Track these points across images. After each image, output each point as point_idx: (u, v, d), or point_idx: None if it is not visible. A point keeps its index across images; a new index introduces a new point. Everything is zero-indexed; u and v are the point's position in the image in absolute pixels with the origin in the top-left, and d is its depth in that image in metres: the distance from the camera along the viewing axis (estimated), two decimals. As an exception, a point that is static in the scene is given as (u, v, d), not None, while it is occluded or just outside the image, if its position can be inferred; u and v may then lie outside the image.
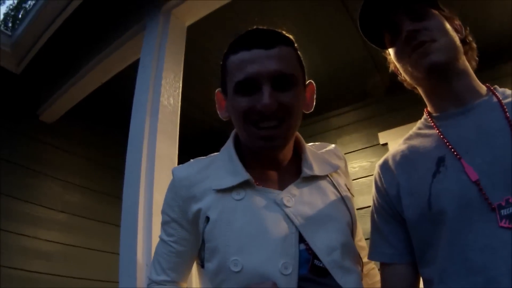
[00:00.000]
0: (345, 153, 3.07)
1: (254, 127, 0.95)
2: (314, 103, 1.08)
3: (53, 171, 2.79)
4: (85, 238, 2.82)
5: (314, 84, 1.08)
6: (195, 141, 3.29)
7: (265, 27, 1.00)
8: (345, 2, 2.29)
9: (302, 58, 1.04)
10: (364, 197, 2.90)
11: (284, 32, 1.00)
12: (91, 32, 2.35)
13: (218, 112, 1.09)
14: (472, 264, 0.80)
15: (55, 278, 2.54)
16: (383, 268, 1.05)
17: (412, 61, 0.97)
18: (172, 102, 1.86)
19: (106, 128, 3.27)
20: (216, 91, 1.09)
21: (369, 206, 2.71)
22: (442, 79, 0.96)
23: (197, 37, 2.23)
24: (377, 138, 3.08)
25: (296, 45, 1.03)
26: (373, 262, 1.15)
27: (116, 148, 3.16)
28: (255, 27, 1.00)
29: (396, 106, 3.04)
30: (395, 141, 2.96)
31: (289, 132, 0.98)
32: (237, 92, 0.96)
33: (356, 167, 3.05)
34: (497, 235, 0.78)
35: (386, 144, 3.02)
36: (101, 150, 3.19)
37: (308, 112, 1.06)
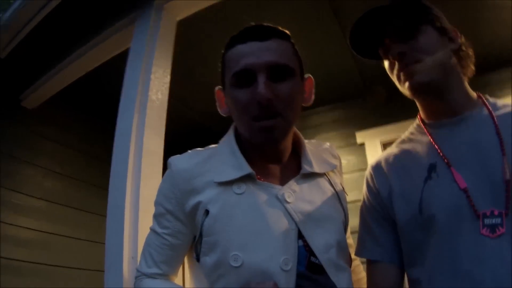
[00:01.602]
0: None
1: (253, 120, 0.95)
2: (313, 97, 1.10)
3: (34, 157, 2.75)
4: (66, 227, 2.80)
5: (313, 78, 1.10)
6: (180, 136, 3.30)
7: (262, 23, 1.01)
8: (334, 7, 2.34)
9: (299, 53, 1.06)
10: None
11: (279, 27, 1.03)
12: (81, 19, 2.31)
13: (218, 110, 1.10)
14: (460, 270, 0.84)
15: (35, 266, 2.53)
16: (370, 265, 1.09)
17: (399, 81, 1.02)
18: (160, 97, 1.86)
19: (90, 116, 3.23)
20: (216, 89, 1.10)
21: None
22: (430, 96, 1.01)
23: (186, 31, 2.23)
24: (354, 138, 3.16)
25: (292, 40, 1.04)
26: (358, 259, 1.19)
27: (100, 137, 3.16)
28: (252, 23, 1.01)
29: (374, 107, 3.13)
30: (372, 141, 3.06)
31: (288, 124, 0.98)
32: (234, 85, 0.97)
33: (332, 165, 3.12)
34: (484, 244, 0.83)
35: (363, 144, 3.11)
36: (84, 138, 3.15)
37: (307, 106, 1.08)
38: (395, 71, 1.03)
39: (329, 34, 2.53)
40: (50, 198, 2.77)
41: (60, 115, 3.03)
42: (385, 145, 3.06)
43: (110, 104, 2.13)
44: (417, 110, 1.11)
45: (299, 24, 2.43)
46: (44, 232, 2.66)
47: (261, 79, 0.93)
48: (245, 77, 0.95)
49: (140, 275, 1.07)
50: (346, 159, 3.13)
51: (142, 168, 1.65)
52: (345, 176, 2.98)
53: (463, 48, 1.04)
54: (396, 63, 1.01)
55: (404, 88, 1.02)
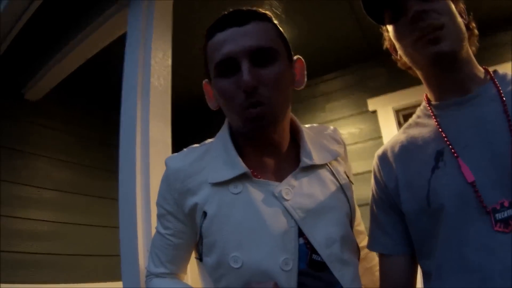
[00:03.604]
0: (334, 119, 3.13)
1: (241, 109, 0.91)
2: (306, 80, 1.04)
3: (40, 149, 2.74)
4: (79, 215, 2.82)
5: (303, 59, 1.04)
6: (185, 113, 3.26)
7: (241, 8, 0.96)
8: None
9: (285, 33, 1.00)
10: (353, 164, 2.95)
11: (259, 9, 0.98)
12: (74, 8, 2.24)
13: (208, 103, 1.06)
14: (468, 262, 0.81)
15: (53, 257, 2.55)
16: (381, 258, 1.07)
17: (418, 45, 0.91)
18: (162, 82, 1.80)
19: (93, 104, 3.20)
20: (203, 82, 1.06)
21: (358, 174, 2.80)
22: (446, 68, 0.93)
23: (183, 4, 2.13)
24: (366, 105, 3.07)
25: (275, 21, 0.99)
26: None
27: (103, 123, 3.17)
28: (230, 9, 0.97)
29: (385, 74, 3.04)
30: (384, 108, 2.98)
31: (277, 109, 0.93)
32: (218, 75, 0.94)
33: (345, 134, 3.04)
34: (493, 236, 0.79)
35: (375, 111, 3.02)
36: (88, 126, 3.14)
37: (299, 89, 1.03)
38: (412, 33, 0.91)
39: (334, 4, 2.42)
40: (61, 188, 2.78)
41: (63, 105, 3.01)
42: (397, 112, 2.98)
43: (112, 91, 2.08)
44: None
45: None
46: (58, 222, 2.68)
47: (245, 66, 0.89)
48: (228, 66, 0.91)
49: (149, 275, 1.08)
50: (359, 128, 3.06)
51: (150, 157, 1.61)
52: (357, 145, 2.99)
53: (471, 26, 0.99)
54: (414, 23, 0.90)
55: (418, 55, 0.92)
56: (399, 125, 2.92)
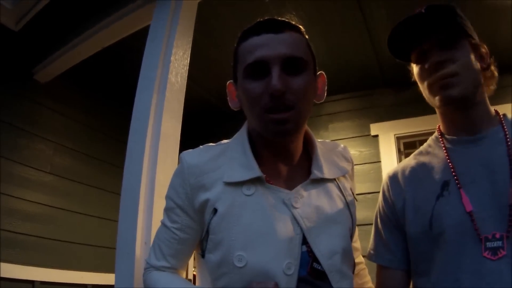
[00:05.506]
0: (335, 140, 3.16)
1: (265, 112, 0.93)
2: (325, 95, 1.08)
3: (44, 132, 2.72)
4: (74, 202, 2.80)
5: (325, 75, 1.08)
6: (195, 117, 3.27)
7: (274, 17, 1.00)
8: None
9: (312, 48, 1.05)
10: (350, 185, 3.00)
11: (293, 22, 1.02)
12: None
13: (229, 103, 1.08)
14: (461, 285, 0.90)
15: (41, 240, 2.54)
16: (380, 269, 1.15)
17: (431, 89, 1.03)
18: (179, 79, 1.83)
19: (102, 94, 3.20)
20: (228, 83, 1.09)
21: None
22: (458, 109, 1.03)
23: (202, 12, 2.16)
24: (368, 129, 3.14)
25: (306, 36, 1.03)
26: (363, 262, 1.24)
27: (114, 117, 3.19)
28: (266, 17, 1.00)
29: (390, 101, 3.11)
30: (386, 134, 3.03)
31: (300, 117, 0.96)
32: (247, 77, 0.96)
33: (344, 155, 3.09)
34: (484, 262, 0.88)
35: (377, 136, 3.08)
36: (95, 115, 3.13)
37: (319, 102, 1.07)
38: (428, 79, 1.04)
39: (351, 22, 2.48)
40: (59, 173, 2.77)
41: (71, 90, 3.00)
42: (399, 139, 3.05)
43: (123, 83, 2.08)
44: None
45: (320, 10, 2.37)
46: (51, 206, 2.67)
47: (275, 71, 0.91)
48: (259, 69, 0.94)
49: (149, 267, 1.08)
50: (359, 151, 3.11)
51: (159, 153, 1.62)
52: (357, 168, 3.02)
53: (491, 68, 1.08)
54: (431, 72, 1.02)
55: (432, 97, 1.04)
56: (399, 152, 2.98)
